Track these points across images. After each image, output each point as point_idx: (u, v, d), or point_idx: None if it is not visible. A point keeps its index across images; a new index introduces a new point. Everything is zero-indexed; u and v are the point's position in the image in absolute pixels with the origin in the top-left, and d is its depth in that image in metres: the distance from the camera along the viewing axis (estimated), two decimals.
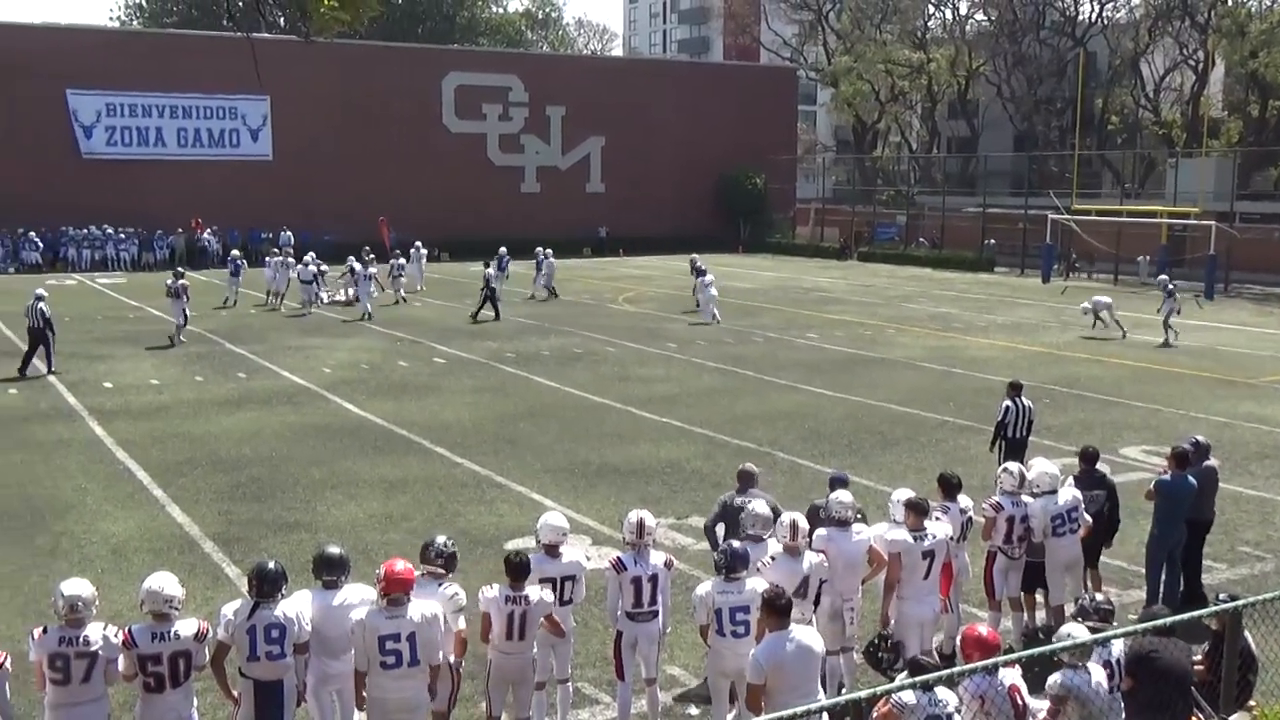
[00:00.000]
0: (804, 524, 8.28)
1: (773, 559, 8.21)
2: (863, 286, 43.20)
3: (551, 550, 8.05)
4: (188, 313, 27.56)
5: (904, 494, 9.04)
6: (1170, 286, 28.58)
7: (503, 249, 39.90)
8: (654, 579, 8.04)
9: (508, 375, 23.13)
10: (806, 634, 6.94)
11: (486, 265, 34.54)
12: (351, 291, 35.25)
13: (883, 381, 22.48)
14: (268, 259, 37.86)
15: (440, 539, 7.66)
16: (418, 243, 42.10)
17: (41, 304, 22.93)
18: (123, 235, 49.38)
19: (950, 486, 9.67)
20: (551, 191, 60.00)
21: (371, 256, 35.66)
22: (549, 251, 38.67)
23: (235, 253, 38.13)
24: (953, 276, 47.97)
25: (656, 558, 8.14)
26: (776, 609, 6.87)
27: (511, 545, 12.27)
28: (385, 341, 27.85)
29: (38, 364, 23.07)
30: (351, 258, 35.39)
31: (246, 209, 51.70)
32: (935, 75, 70.52)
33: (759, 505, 8.70)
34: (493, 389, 21.57)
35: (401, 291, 36.66)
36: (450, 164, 57.00)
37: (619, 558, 8.15)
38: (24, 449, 16.56)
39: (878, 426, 18.32)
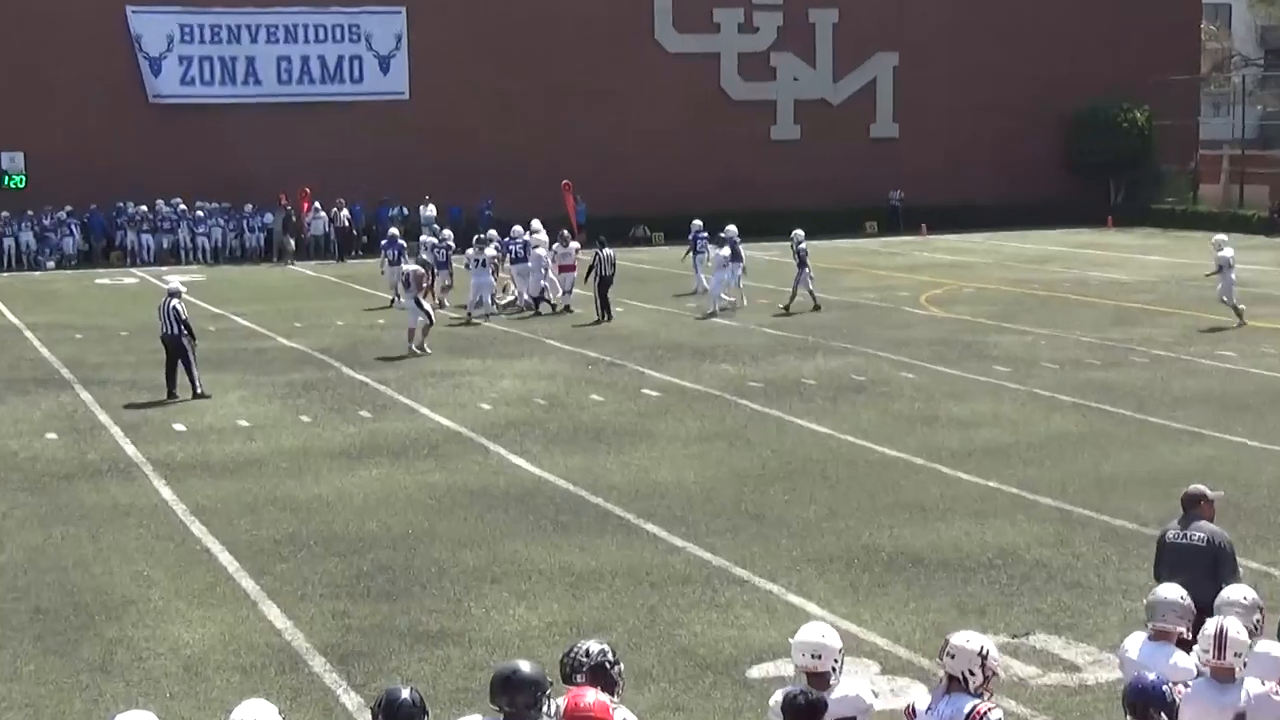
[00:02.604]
0: (1239, 634, 8.19)
1: (1190, 684, 8.19)
2: None
3: (817, 679, 8.00)
4: (427, 306, 30.02)
5: None
6: None
7: (697, 221, 40.40)
8: None
9: (751, 415, 23.19)
10: None
11: (601, 246, 35.66)
12: (511, 291, 36.69)
13: None
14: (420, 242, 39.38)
15: (585, 645, 7.71)
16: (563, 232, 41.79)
17: (175, 301, 25.43)
18: (200, 213, 52.15)
19: None
20: (817, 137, 60.03)
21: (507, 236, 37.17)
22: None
23: (393, 231, 40.32)
24: None
25: (960, 701, 7.75)
26: None
27: (757, 672, 12.23)
28: (570, 364, 28.37)
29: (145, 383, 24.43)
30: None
31: (373, 172, 53.63)
32: None
33: (1168, 591, 8.73)
34: (729, 436, 21.66)
35: (550, 294, 37.14)
36: (665, 101, 57.76)
37: (912, 706, 8.04)
38: (66, 519, 17.50)
39: None
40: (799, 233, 36.65)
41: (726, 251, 36.43)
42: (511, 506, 17.76)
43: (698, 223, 40.61)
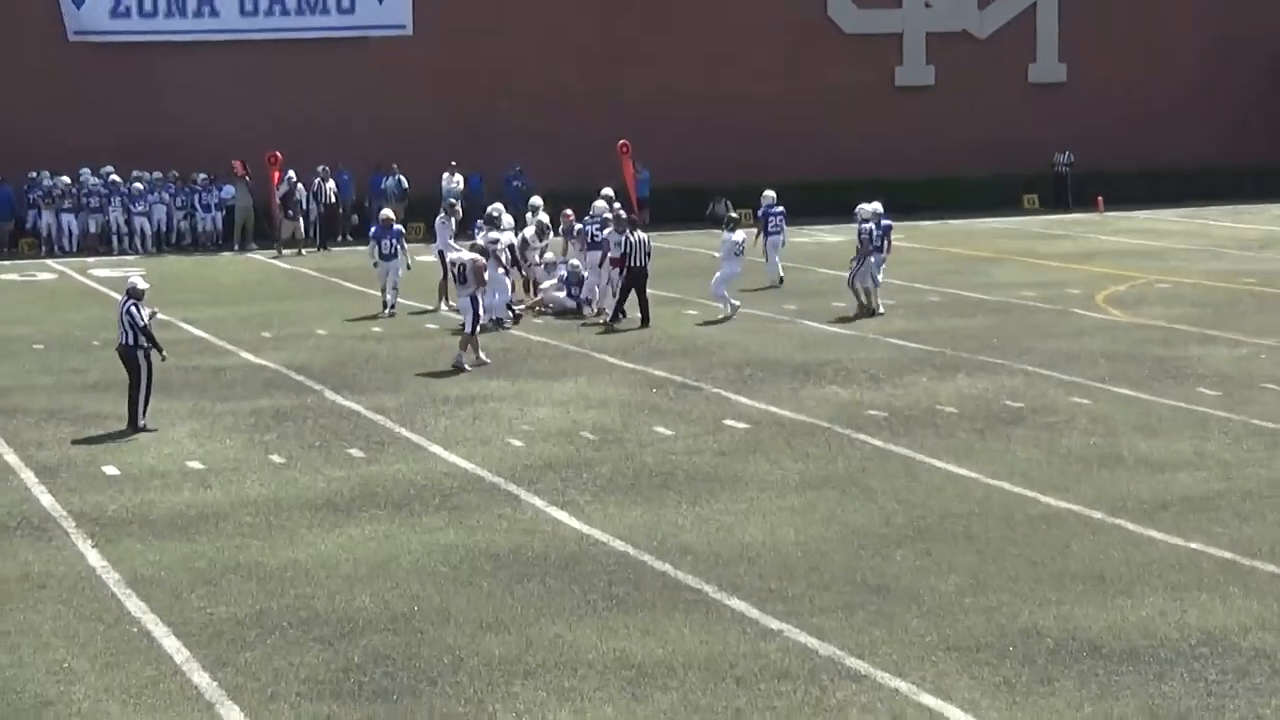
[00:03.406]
0: None
1: None
2: None
3: None
4: (481, 308, 30.77)
5: None
6: None
7: (769, 192, 40.78)
8: None
9: (871, 454, 23.16)
10: None
11: (631, 228, 35.76)
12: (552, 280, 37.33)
13: None
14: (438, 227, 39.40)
15: None
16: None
17: (132, 305, 25.65)
18: (139, 185, 52.53)
19: None
20: (957, 83, 59.92)
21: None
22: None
23: (386, 213, 39.72)
24: None
25: None
26: None
27: None
28: (629, 386, 28.43)
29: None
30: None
31: (365, 131, 53.95)
32: None
33: None
34: (841, 482, 21.61)
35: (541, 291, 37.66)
36: (756, 35, 57.84)
37: None
38: None
39: None
40: (875, 207, 36.15)
41: (739, 237, 36.51)
42: (550, 576, 17.73)
43: (770, 194, 40.77)
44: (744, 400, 26.96)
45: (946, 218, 54.59)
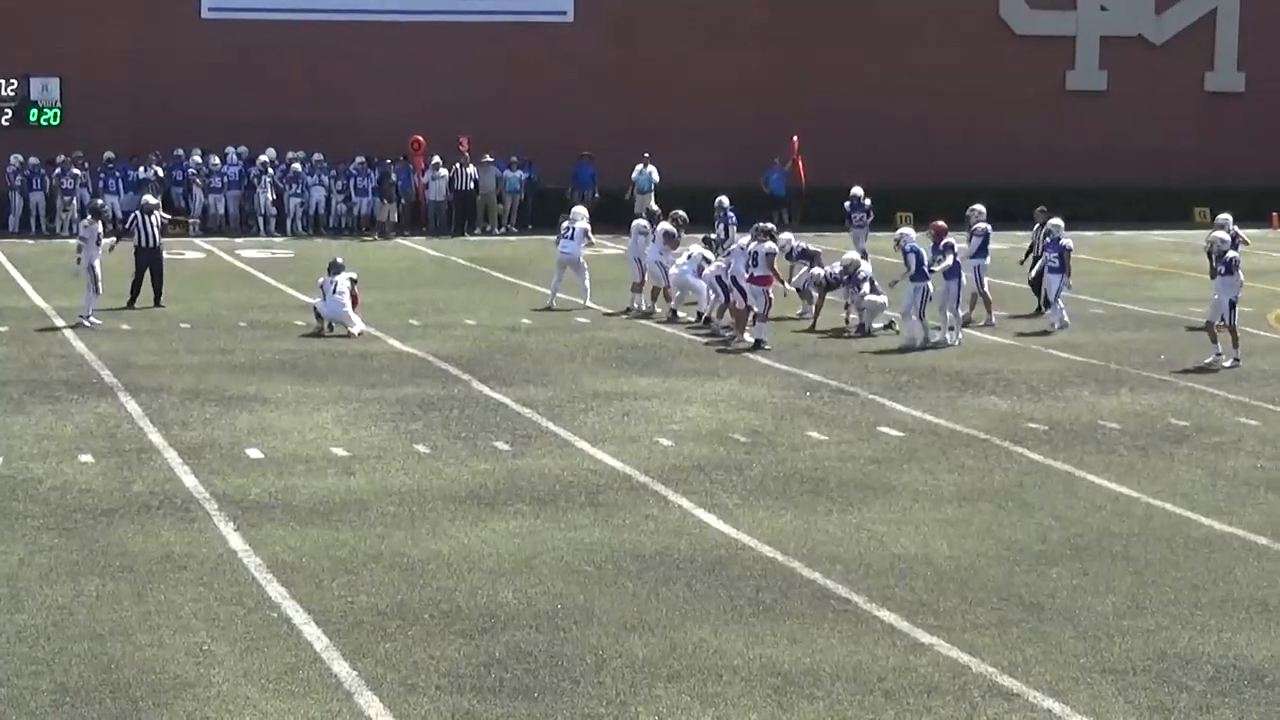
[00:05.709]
0: None
1: None
2: None
3: None
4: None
5: None
6: None
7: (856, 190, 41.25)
8: None
9: (1029, 468, 23.09)
10: None
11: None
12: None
13: None
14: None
15: None
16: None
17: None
18: (296, 166, 53.43)
19: None
20: (1131, 89, 59.66)
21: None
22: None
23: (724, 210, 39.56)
24: None
25: None
26: None
27: None
28: (783, 388, 28.50)
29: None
30: None
31: (523, 123, 54.34)
32: None
33: None
34: (997, 495, 21.56)
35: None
36: (922, 34, 57.89)
37: None
38: (102, 570, 17.82)
39: None
40: (907, 231, 34.59)
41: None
42: (697, 579, 17.78)
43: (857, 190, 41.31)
44: (899, 407, 26.95)
45: (1112, 228, 54.18)
